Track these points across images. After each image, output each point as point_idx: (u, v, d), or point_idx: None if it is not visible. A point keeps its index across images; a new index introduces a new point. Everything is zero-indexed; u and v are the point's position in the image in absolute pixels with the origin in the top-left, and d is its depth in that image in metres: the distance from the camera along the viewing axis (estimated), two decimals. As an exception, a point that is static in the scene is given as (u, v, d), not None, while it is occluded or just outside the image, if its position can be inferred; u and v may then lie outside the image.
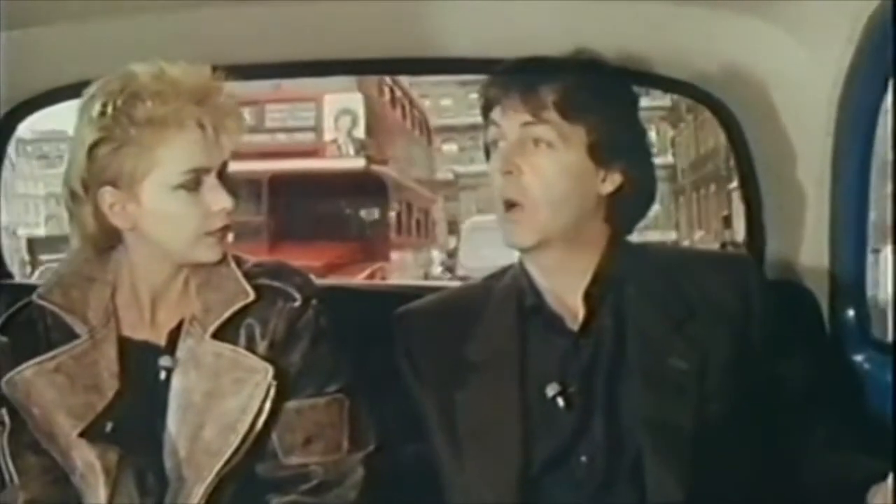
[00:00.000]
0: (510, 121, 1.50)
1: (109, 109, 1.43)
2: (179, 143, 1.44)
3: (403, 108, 18.20)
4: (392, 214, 15.35)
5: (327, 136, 14.60)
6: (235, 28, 1.81)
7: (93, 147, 1.44)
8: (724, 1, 1.69)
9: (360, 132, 14.80)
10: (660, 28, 1.75)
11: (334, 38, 1.88)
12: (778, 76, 1.78)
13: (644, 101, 1.67)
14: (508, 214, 1.50)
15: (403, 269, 12.99)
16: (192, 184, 1.45)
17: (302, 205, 13.48)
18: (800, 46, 1.71)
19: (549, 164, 1.47)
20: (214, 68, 1.48)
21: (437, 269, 13.32)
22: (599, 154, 1.48)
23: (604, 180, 1.50)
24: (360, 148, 14.74)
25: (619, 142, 1.49)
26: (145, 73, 1.45)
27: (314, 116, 14.40)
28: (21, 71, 1.90)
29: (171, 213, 1.46)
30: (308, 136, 14.41)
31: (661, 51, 1.82)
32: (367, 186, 14.45)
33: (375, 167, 14.68)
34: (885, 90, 1.66)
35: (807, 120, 1.77)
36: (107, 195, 1.46)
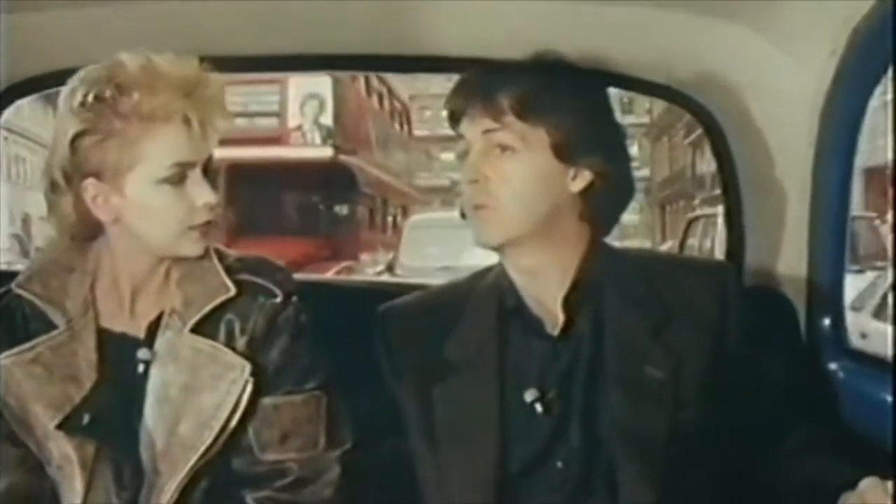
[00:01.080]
0: (474, 129, 1.51)
1: (92, 100, 1.42)
2: (165, 136, 1.43)
3: (381, 97, 17.14)
4: (362, 210, 14.45)
5: (291, 123, 13.66)
6: (226, 20, 1.80)
7: (76, 137, 1.43)
8: (710, 6, 1.70)
9: (327, 119, 13.79)
10: (643, 33, 1.75)
11: (324, 32, 1.88)
12: (761, 85, 1.79)
13: (629, 119, 1.67)
14: (477, 213, 1.50)
15: (374, 268, 11.95)
16: (177, 178, 1.45)
17: (262, 197, 12.66)
18: (783, 55, 1.72)
19: (514, 169, 1.48)
20: (202, 60, 1.47)
21: (378, 269, 11.87)
22: (565, 153, 1.49)
23: (574, 178, 1.50)
24: (328, 136, 13.77)
25: (584, 140, 1.49)
26: (132, 63, 1.44)
27: (278, 101, 13.39)
28: (8, 56, 1.89)
29: (155, 206, 1.45)
30: (271, 122, 13.47)
31: (644, 56, 1.83)
32: (335, 179, 13.56)
33: (344, 157, 13.75)
34: (867, 102, 1.67)
35: (789, 129, 1.78)
36: (90, 187, 1.45)
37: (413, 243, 10.97)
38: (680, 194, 29.88)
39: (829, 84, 1.66)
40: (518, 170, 1.48)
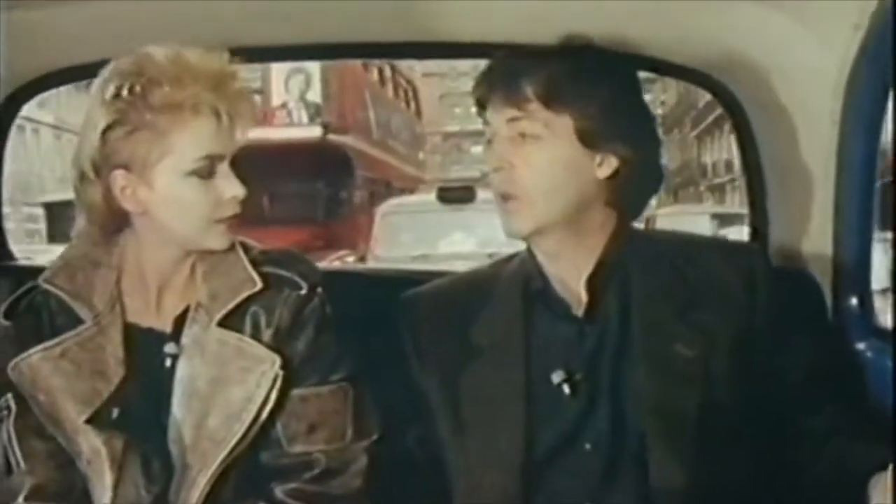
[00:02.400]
0: (498, 118, 1.50)
1: (125, 92, 1.42)
2: (194, 129, 1.43)
3: (381, 72, 16.09)
4: (361, 194, 13.41)
5: (276, 100, 12.85)
6: (242, 10, 1.80)
7: (106, 129, 1.43)
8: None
9: (315, 95, 12.89)
10: (666, 14, 1.74)
11: (341, 20, 1.87)
12: (783, 63, 1.77)
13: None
14: (505, 205, 1.50)
15: (377, 257, 10.40)
16: (205, 171, 1.45)
17: (246, 183, 12.10)
18: (806, 32, 1.70)
19: (539, 156, 1.48)
20: (232, 53, 1.47)
21: (349, 259, 10.87)
22: (590, 140, 1.48)
23: (600, 164, 1.50)
24: (315, 114, 12.87)
25: (609, 126, 1.49)
26: (162, 56, 1.44)
27: (260, 77, 12.34)
28: (28, 50, 1.89)
29: (182, 199, 1.46)
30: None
31: (666, 37, 1.81)
32: (328, 161, 12.52)
33: (335, 137, 12.75)
34: (891, 76, 1.65)
35: (812, 106, 1.76)
36: (119, 178, 1.45)
37: (385, 231, 10.07)
38: (689, 182, 32.61)
39: (852, 60, 1.64)
40: (543, 158, 1.48)
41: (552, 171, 1.48)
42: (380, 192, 14.40)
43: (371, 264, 9.16)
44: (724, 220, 13.56)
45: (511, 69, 1.51)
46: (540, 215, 1.49)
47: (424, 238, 9.16)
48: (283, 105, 12.85)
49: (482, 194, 8.87)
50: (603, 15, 1.72)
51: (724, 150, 27.85)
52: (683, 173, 34.35)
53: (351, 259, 10.70)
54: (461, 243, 9.05)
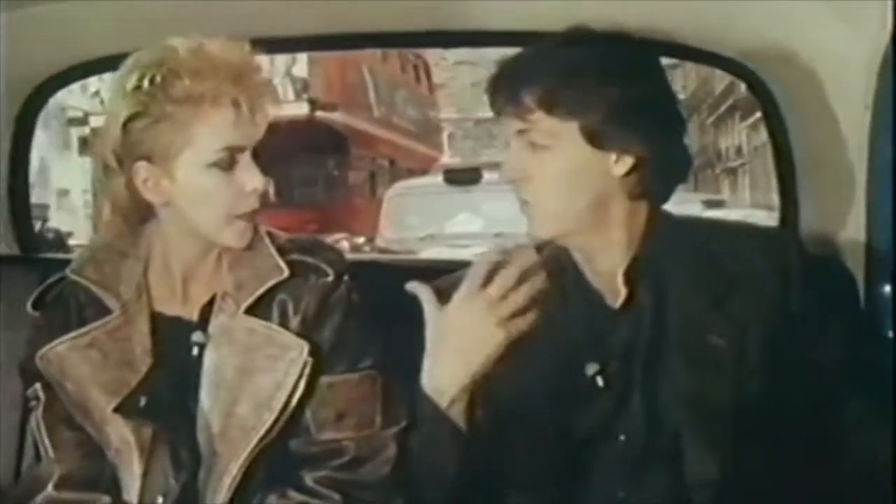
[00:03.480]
0: (508, 129, 1.48)
1: (146, 84, 1.42)
2: (215, 120, 1.43)
3: None
4: (357, 175, 12.88)
5: None
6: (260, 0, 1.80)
7: (128, 121, 1.44)
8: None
9: (301, 70, 12.47)
10: (696, 1, 1.72)
11: (360, 10, 1.86)
12: (814, 48, 1.75)
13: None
14: (525, 209, 1.49)
15: (385, 239, 10.09)
16: (227, 162, 1.45)
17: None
18: (838, 18, 1.68)
19: (551, 166, 1.45)
20: (253, 44, 1.47)
21: (358, 241, 10.78)
22: (600, 142, 1.44)
23: (616, 162, 1.45)
24: (302, 89, 12.44)
25: (618, 127, 1.43)
26: (184, 48, 1.44)
27: None
28: (50, 45, 1.90)
29: (204, 190, 1.46)
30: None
31: (697, 24, 1.80)
32: (320, 139, 12.07)
33: (324, 114, 12.27)
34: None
35: (844, 92, 1.74)
36: (141, 170, 1.46)
37: (393, 213, 9.95)
38: (707, 164, 34.58)
39: (885, 44, 1.62)
40: (555, 167, 1.45)
41: (565, 178, 1.45)
42: (381, 172, 13.88)
43: (380, 246, 9.26)
44: (710, 204, 13.49)
45: (512, 78, 1.47)
46: (557, 221, 1.47)
47: (431, 219, 9.11)
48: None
49: (488, 175, 8.92)
50: (633, 4, 1.70)
51: (736, 135, 30.33)
52: (701, 157, 35.87)
53: (346, 245, 10.40)
54: (468, 224, 8.98)
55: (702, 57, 1.93)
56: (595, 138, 1.43)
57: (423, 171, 16.23)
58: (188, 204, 1.47)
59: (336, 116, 12.92)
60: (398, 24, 1.94)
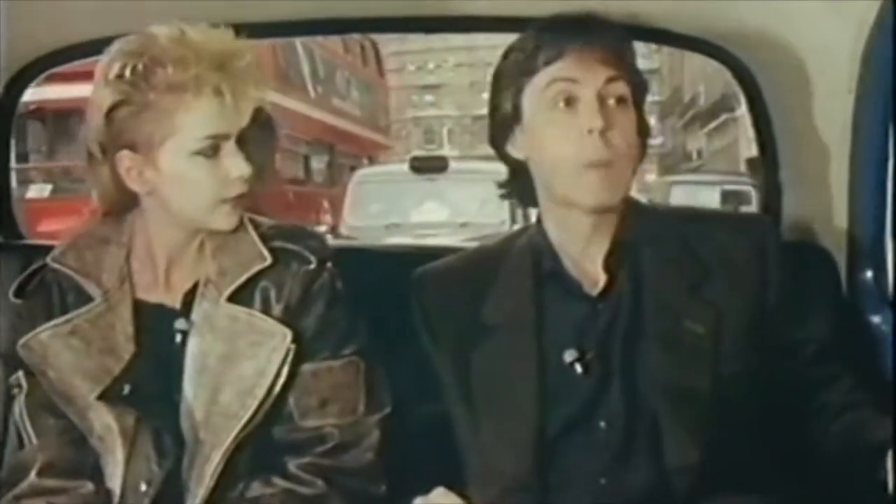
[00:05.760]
0: (593, 76, 1.44)
1: (128, 73, 1.42)
2: (197, 109, 1.43)
3: None
4: (293, 163, 12.76)
5: None
6: None
7: (111, 110, 1.43)
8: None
9: None
10: None
11: None
12: (798, 34, 1.75)
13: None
14: (594, 173, 1.43)
15: (349, 226, 9.73)
16: (210, 150, 1.45)
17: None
18: (821, 3, 1.68)
19: (629, 121, 1.46)
20: (237, 30, 1.46)
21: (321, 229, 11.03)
22: (637, 104, 1.49)
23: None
24: None
25: (643, 90, 1.50)
26: (166, 36, 1.43)
27: None
28: (32, 30, 1.88)
29: (188, 178, 1.45)
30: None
31: (679, 10, 1.79)
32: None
33: None
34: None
35: (827, 78, 1.74)
36: (125, 159, 1.46)
37: (357, 200, 9.83)
38: (678, 162, 38.08)
39: (868, 29, 1.62)
40: (631, 124, 1.46)
41: (636, 138, 1.46)
42: (320, 158, 13.59)
43: (344, 234, 9.11)
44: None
45: (611, 26, 1.48)
46: (625, 183, 1.47)
47: (396, 207, 9.06)
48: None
49: (454, 164, 9.06)
50: None
51: (699, 139, 35.08)
52: (673, 156, 40.86)
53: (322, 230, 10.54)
54: (433, 213, 8.96)
55: (687, 43, 1.93)
56: (637, 100, 1.48)
57: (369, 158, 15.89)
58: (173, 192, 1.47)
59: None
60: (383, 9, 1.93)
